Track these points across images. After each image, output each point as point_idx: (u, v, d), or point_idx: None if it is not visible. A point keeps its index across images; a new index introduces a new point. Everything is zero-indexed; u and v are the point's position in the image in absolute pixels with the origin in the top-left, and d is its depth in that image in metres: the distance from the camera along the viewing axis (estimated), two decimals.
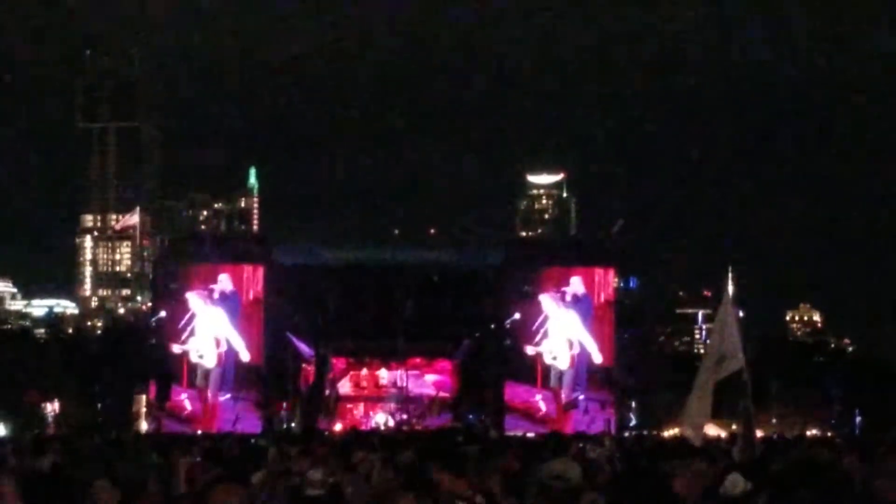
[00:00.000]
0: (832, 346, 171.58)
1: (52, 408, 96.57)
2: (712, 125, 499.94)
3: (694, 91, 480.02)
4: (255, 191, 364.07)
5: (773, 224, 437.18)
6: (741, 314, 19.86)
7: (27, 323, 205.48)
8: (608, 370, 70.97)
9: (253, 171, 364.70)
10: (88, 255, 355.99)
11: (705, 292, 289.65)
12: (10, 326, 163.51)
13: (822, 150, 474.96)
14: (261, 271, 70.84)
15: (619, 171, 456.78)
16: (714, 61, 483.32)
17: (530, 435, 56.84)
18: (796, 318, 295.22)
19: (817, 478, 11.08)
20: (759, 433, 20.33)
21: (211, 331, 69.45)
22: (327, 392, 72.57)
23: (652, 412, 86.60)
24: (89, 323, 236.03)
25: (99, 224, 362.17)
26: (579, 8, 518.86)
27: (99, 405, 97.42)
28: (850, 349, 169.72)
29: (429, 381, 73.34)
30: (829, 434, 77.75)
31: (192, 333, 69.35)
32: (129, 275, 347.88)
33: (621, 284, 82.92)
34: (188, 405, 68.85)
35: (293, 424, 69.79)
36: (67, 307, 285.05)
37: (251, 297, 70.21)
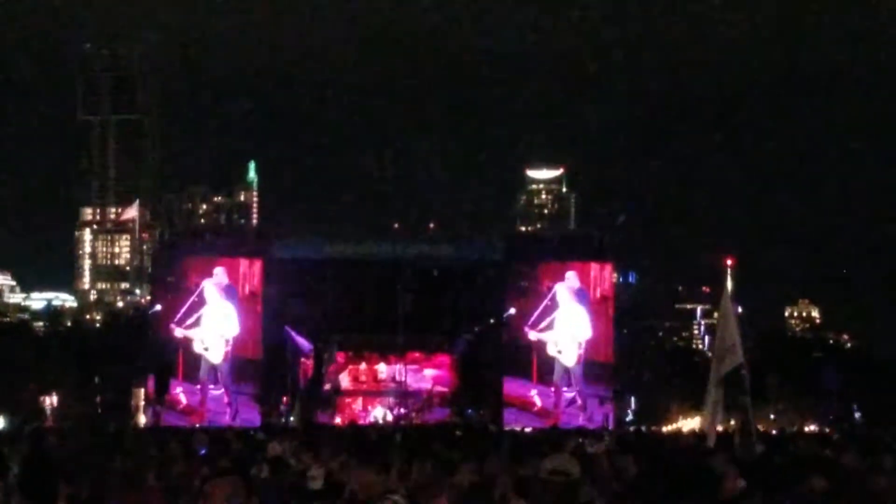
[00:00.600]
0: (830, 341, 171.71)
1: (50, 401, 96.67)
2: (711, 121, 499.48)
3: (693, 87, 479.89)
4: (255, 184, 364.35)
5: (772, 220, 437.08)
6: (740, 310, 19.90)
7: (26, 316, 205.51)
8: (607, 365, 70.99)
9: (252, 165, 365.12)
10: (87, 249, 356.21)
11: (704, 288, 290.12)
12: (8, 319, 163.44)
13: (821, 146, 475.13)
14: (259, 265, 70.79)
15: (619, 167, 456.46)
16: (713, 58, 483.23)
17: (528, 429, 57.01)
18: (795, 313, 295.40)
19: (816, 475, 11.09)
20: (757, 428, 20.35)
21: (221, 325, 69.31)
22: (327, 386, 72.61)
23: (651, 407, 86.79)
24: (88, 316, 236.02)
25: (98, 217, 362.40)
26: (579, 2, 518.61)
27: (98, 398, 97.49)
28: (849, 345, 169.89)
29: (428, 376, 73.36)
30: (826, 430, 77.78)
31: (197, 322, 69.23)
32: (128, 268, 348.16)
33: (620, 280, 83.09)
34: (183, 398, 68.80)
35: (292, 418, 69.78)
36: (66, 300, 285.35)
37: (249, 290, 70.14)
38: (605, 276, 71.94)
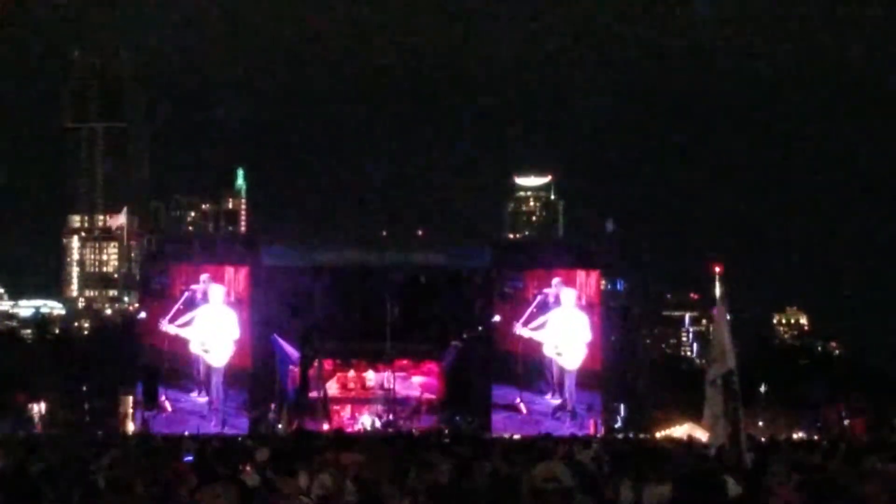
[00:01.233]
0: (819, 349, 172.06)
1: (38, 408, 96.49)
2: (699, 128, 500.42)
3: (681, 93, 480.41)
4: (243, 192, 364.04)
5: (761, 227, 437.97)
6: (728, 317, 19.94)
7: (14, 323, 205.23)
8: (595, 373, 71.05)
9: (241, 173, 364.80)
10: (76, 256, 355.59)
11: (692, 295, 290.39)
12: None
13: (810, 153, 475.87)
14: (245, 272, 70.84)
15: (607, 174, 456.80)
16: (702, 64, 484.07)
17: (517, 437, 56.94)
18: (783, 321, 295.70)
19: (806, 482, 11.10)
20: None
21: (221, 328, 69.33)
22: (316, 394, 72.48)
23: (640, 415, 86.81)
24: (76, 323, 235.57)
25: (86, 224, 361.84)
26: (567, 10, 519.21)
27: (86, 405, 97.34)
28: (837, 352, 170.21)
29: (416, 383, 73.33)
30: (815, 437, 77.85)
31: (190, 323, 69.21)
32: (116, 275, 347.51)
33: (608, 287, 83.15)
34: (171, 405, 68.72)
35: (280, 426, 69.70)
36: (54, 308, 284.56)
37: (235, 297, 70.15)
38: (591, 282, 72.03)
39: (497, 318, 70.81)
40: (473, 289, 73.27)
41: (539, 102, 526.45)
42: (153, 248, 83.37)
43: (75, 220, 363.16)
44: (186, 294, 69.43)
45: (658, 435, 72.70)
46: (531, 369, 70.30)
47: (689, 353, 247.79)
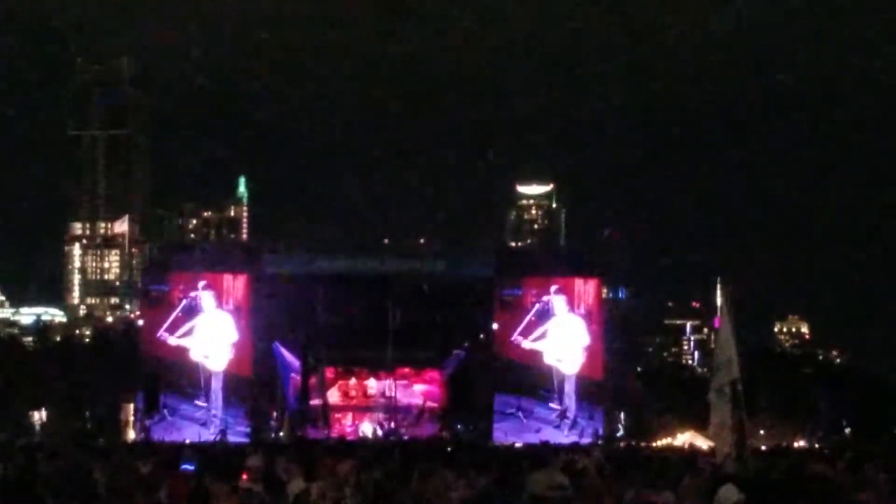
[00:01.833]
0: (820, 357, 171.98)
1: (39, 416, 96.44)
2: (701, 136, 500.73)
3: (684, 102, 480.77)
4: (245, 200, 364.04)
5: (762, 235, 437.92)
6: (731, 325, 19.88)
7: (15, 331, 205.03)
8: (595, 381, 71.02)
9: (242, 181, 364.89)
10: (77, 263, 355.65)
11: (694, 303, 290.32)
12: None
13: (812, 161, 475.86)
14: (249, 280, 70.88)
15: (608, 183, 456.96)
16: (704, 70, 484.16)
17: (518, 445, 56.98)
18: (784, 329, 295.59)
19: (808, 489, 11.08)
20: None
21: (220, 334, 69.49)
22: (318, 401, 72.46)
23: (641, 423, 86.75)
24: (77, 331, 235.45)
25: (88, 232, 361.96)
26: (571, 20, 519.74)
27: (87, 413, 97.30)
28: (838, 361, 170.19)
29: (418, 391, 73.33)
30: (816, 445, 77.84)
31: (190, 332, 69.33)
32: (117, 283, 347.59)
33: (610, 295, 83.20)
34: (172, 414, 68.71)
35: (281, 434, 69.68)
36: (56, 315, 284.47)
37: (234, 305, 70.17)
38: (589, 290, 72.03)
39: (497, 326, 70.85)
40: (475, 297, 73.24)
41: (541, 110, 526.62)
42: (154, 256, 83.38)
43: (77, 228, 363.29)
44: (185, 302, 69.51)
45: (659, 443, 72.67)
46: (532, 377, 70.28)
47: (690, 362, 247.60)
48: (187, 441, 58.34)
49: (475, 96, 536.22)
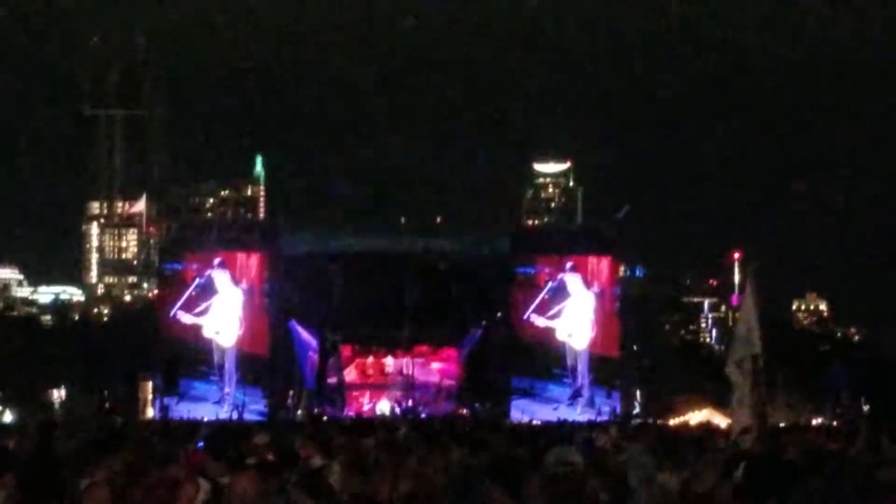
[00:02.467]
0: (839, 335, 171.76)
1: (58, 394, 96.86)
2: (719, 114, 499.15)
3: (700, 78, 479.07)
4: (262, 179, 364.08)
5: (780, 213, 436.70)
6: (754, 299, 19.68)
7: (33, 310, 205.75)
8: (611, 358, 71.19)
9: (259, 160, 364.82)
10: (95, 242, 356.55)
11: (711, 281, 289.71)
12: (15, 313, 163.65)
13: (831, 137, 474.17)
14: (265, 259, 71.12)
15: (626, 161, 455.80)
16: (722, 45, 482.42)
17: (536, 423, 57.04)
18: (802, 307, 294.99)
19: (827, 466, 11.05)
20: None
21: (233, 311, 69.80)
22: (333, 380, 72.62)
23: (658, 400, 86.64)
24: (95, 310, 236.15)
25: (105, 211, 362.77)
26: None
27: (105, 392, 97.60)
28: (857, 338, 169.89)
29: (435, 369, 73.46)
30: (834, 423, 77.69)
31: (206, 311, 69.70)
32: (135, 262, 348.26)
33: (627, 273, 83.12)
34: (191, 391, 69.01)
35: (299, 412, 69.85)
36: (74, 294, 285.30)
37: (248, 284, 70.41)
38: (603, 268, 72.22)
39: (513, 304, 71.09)
40: (492, 275, 73.33)
41: (557, 87, 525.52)
42: (171, 235, 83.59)
43: (94, 207, 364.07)
44: (200, 280, 69.77)
45: (675, 421, 72.67)
46: (546, 356, 70.57)
47: (707, 340, 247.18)
48: (205, 419, 58.54)
49: (492, 72, 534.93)
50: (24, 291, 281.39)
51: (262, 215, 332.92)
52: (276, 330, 70.86)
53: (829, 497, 9.92)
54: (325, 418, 57.68)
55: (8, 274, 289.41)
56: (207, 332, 69.44)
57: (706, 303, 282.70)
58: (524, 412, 67.25)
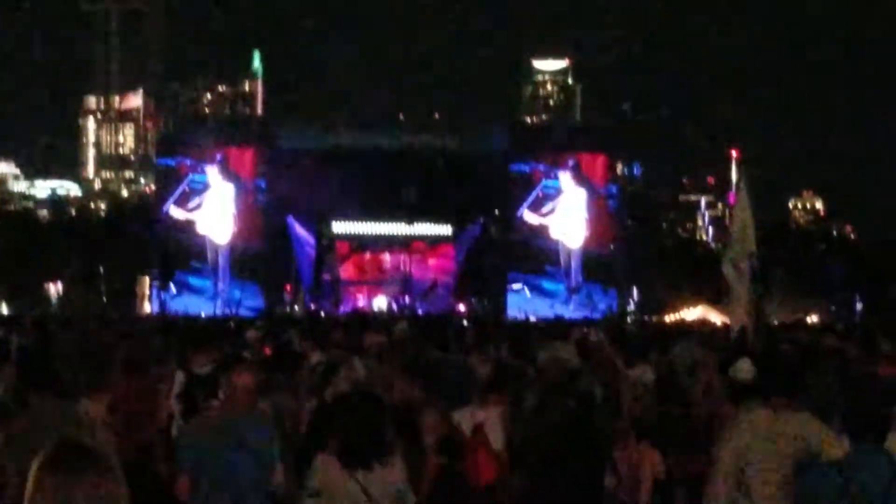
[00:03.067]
0: (835, 233, 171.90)
1: (55, 289, 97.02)
2: (717, 12, 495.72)
3: None
4: (260, 74, 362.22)
5: (776, 110, 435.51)
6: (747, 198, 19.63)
7: (30, 204, 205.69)
8: (605, 255, 71.46)
9: (257, 55, 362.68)
10: (91, 137, 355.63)
11: (709, 179, 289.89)
12: (12, 208, 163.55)
13: (830, 33, 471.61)
14: (262, 154, 71.11)
15: (626, 59, 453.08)
16: None
17: (532, 319, 57.19)
18: (798, 205, 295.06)
19: (824, 362, 11.06)
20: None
21: (225, 208, 69.96)
22: (330, 276, 72.74)
23: (653, 298, 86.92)
24: (92, 205, 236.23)
25: (102, 106, 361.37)
26: None
27: (103, 286, 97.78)
28: (852, 237, 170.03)
29: (432, 266, 73.58)
30: (829, 321, 78.02)
31: (199, 206, 69.86)
32: (132, 157, 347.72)
33: (625, 171, 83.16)
34: (188, 285, 69.24)
35: (296, 307, 70.02)
36: (70, 189, 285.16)
37: (249, 180, 70.50)
38: (598, 165, 72.26)
39: (510, 201, 71.27)
40: (490, 172, 73.25)
41: None
42: (168, 130, 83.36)
43: (91, 102, 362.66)
44: (192, 176, 69.93)
45: (671, 318, 72.90)
46: (541, 253, 70.86)
47: (704, 238, 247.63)
48: (203, 314, 58.73)
49: None
50: (20, 186, 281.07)
51: (259, 111, 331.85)
52: (273, 226, 70.93)
53: (827, 392, 9.94)
54: (322, 314, 57.79)
55: (4, 168, 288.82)
56: (203, 230, 69.58)
57: (703, 201, 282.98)
58: (521, 308, 67.46)
